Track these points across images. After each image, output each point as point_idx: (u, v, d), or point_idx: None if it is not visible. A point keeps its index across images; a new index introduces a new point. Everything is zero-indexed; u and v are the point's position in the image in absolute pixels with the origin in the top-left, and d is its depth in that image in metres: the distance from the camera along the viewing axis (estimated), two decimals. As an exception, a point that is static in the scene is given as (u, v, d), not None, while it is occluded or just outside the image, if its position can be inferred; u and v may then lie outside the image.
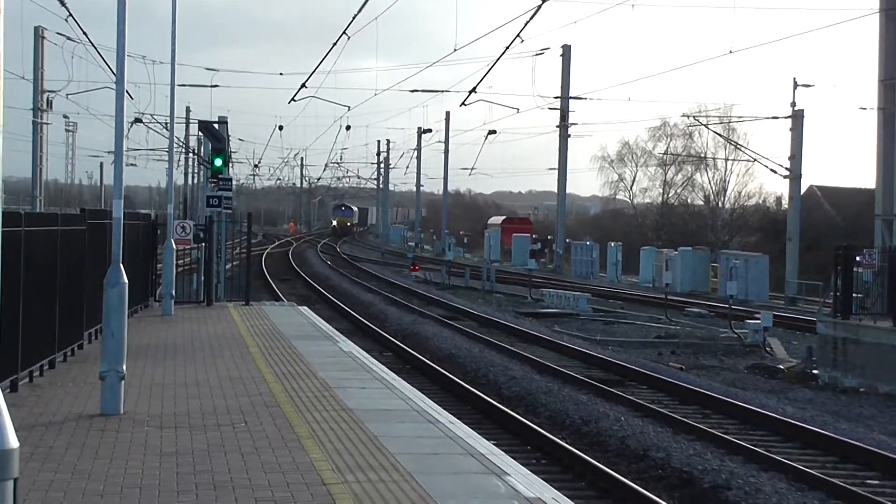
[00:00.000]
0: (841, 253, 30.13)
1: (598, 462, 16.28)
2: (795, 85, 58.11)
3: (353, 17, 31.84)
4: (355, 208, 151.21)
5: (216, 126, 34.26)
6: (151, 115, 58.55)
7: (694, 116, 67.34)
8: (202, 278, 32.59)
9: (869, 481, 16.32)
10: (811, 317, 39.55)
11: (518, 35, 29.88)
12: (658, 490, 15.20)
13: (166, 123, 45.47)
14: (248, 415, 13.64)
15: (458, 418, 14.31)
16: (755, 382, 27.67)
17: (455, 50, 51.84)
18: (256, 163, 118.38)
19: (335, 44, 33.19)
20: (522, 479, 10.55)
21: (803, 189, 62.59)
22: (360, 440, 12.10)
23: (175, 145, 37.53)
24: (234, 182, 35.94)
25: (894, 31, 32.21)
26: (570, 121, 74.71)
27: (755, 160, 62.54)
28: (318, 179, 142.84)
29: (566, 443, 17.80)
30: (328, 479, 10.29)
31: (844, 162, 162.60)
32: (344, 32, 32.15)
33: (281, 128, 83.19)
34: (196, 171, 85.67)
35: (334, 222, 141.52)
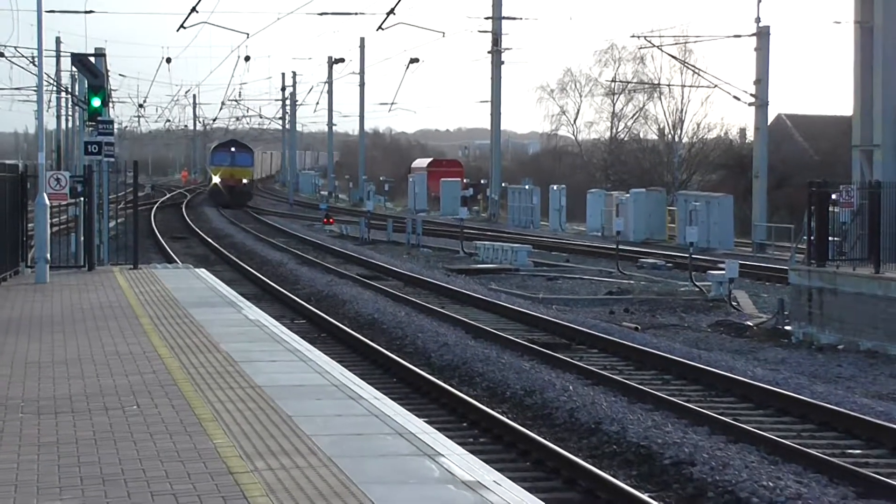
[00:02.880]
0: (815, 190, 30.42)
1: (544, 438, 16.45)
2: (760, -2, 58.47)
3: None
4: (254, 151, 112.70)
5: (92, 59, 33.97)
6: (15, 47, 57.70)
7: (645, 38, 67.30)
8: (81, 239, 32.36)
9: (850, 451, 16.63)
10: (782, 265, 40.03)
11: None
12: (613, 468, 15.40)
13: (33, 57, 45.00)
14: (140, 396, 13.58)
15: (384, 393, 14.36)
16: (720, 342, 28.04)
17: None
18: (141, 102, 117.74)
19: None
20: (459, 460, 10.62)
21: (771, 118, 63.27)
22: (271, 421, 12.11)
23: (45, 83, 37.15)
24: (115, 125, 35.62)
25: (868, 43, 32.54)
26: (504, 45, 74.81)
27: (716, 86, 62.87)
28: (214, 120, 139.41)
29: (507, 417, 17.97)
30: (235, 466, 10.29)
31: (816, 87, 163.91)
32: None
33: (169, 60, 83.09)
34: (70, 113, 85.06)
35: (216, 178, 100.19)
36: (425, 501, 9.24)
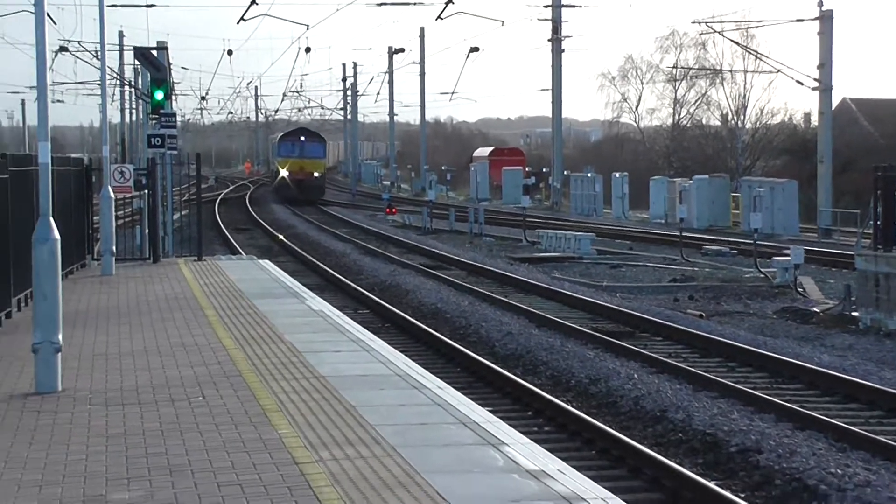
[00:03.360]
0: (881, 175, 30.17)
1: (609, 427, 16.42)
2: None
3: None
4: (326, 142, 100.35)
5: (155, 53, 34.15)
6: (79, 42, 58.23)
7: (707, 23, 67.11)
8: (146, 231, 32.62)
9: (919, 437, 16.49)
10: (849, 251, 39.73)
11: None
12: (679, 456, 15.35)
13: (96, 52, 45.24)
14: (205, 387, 13.68)
15: (448, 383, 14.38)
16: (786, 329, 27.86)
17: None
18: (203, 94, 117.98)
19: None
20: (523, 449, 10.62)
21: (835, 103, 62.81)
22: (335, 412, 12.16)
23: (108, 77, 37.37)
24: (178, 118, 35.81)
25: None
26: (564, 33, 74.64)
27: (779, 71, 62.56)
28: (276, 112, 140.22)
29: (572, 406, 17.94)
30: (300, 457, 10.35)
31: (882, 70, 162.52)
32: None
33: (230, 52, 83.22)
34: (134, 106, 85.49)
35: (283, 171, 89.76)
36: (490, 490, 9.24)
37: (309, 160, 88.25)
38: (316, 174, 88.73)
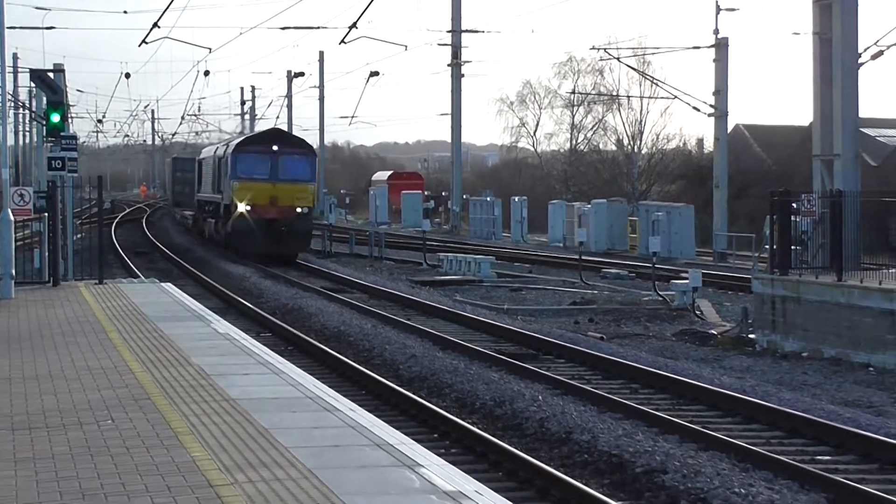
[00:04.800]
0: (777, 199, 30.62)
1: (516, 448, 16.49)
2: (718, 9, 58.88)
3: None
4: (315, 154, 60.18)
5: (51, 75, 33.82)
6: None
7: (604, 49, 67.75)
8: (46, 254, 32.24)
9: (820, 457, 16.73)
10: (744, 274, 40.25)
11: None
12: (585, 477, 15.44)
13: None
14: (114, 410, 13.56)
15: (356, 405, 14.38)
16: (686, 350, 28.14)
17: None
18: (100, 118, 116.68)
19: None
20: (438, 470, 10.65)
21: (730, 129, 63.48)
22: (248, 434, 12.11)
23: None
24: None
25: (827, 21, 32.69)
26: (464, 58, 74.95)
27: (675, 97, 63.17)
28: (174, 135, 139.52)
29: (478, 428, 17.99)
30: (215, 479, 10.29)
31: (775, 97, 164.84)
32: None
33: (128, 75, 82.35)
34: (28, 128, 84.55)
35: (241, 204, 52.17)
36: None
37: (289, 185, 51.86)
38: (300, 209, 52.00)
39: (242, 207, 50.92)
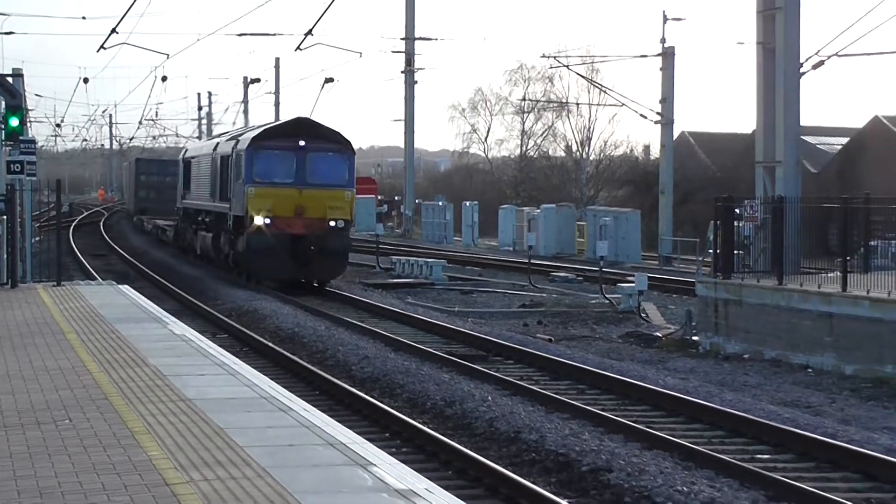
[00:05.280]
0: (721, 205, 30.83)
1: (466, 447, 16.55)
2: (665, 19, 59.19)
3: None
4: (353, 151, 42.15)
5: (10, 80, 33.64)
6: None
7: (554, 57, 67.92)
8: (5, 257, 32.05)
9: (760, 455, 16.86)
10: (688, 277, 40.46)
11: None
12: (533, 475, 15.50)
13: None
14: (72, 410, 13.54)
15: (310, 405, 14.40)
16: (631, 352, 28.29)
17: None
18: (58, 122, 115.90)
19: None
20: (390, 468, 10.70)
21: (675, 136, 63.78)
22: (203, 434, 12.12)
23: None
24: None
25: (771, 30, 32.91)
26: (417, 65, 75.01)
27: (622, 105, 63.41)
28: (131, 139, 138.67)
29: (429, 427, 18.04)
30: (171, 478, 10.30)
31: (720, 105, 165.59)
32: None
33: (86, 80, 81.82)
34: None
35: (259, 216, 39.44)
36: (360, 510, 9.32)
37: (320, 191, 40.04)
38: (334, 222, 40.06)
39: (260, 220, 38.77)
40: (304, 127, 40.60)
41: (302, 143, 39.28)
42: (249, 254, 39.45)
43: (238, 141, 41.51)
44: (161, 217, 72.29)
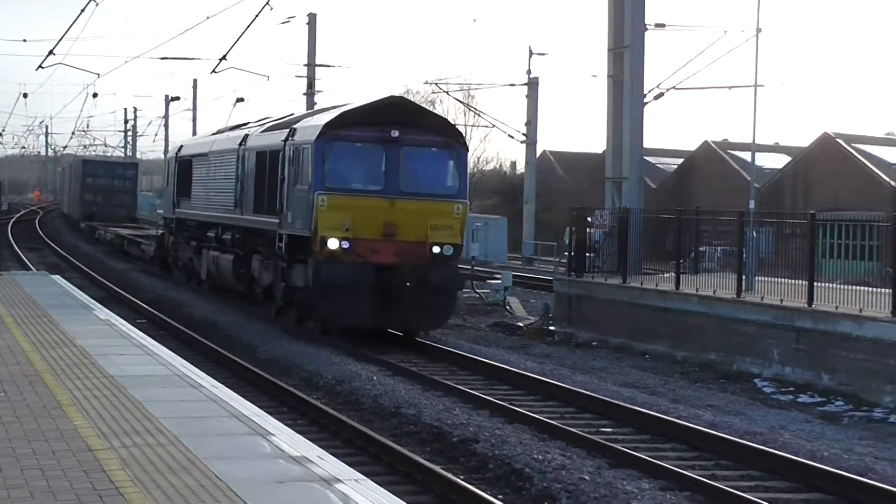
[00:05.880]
0: (575, 214, 31.12)
1: (353, 420, 16.52)
2: (531, 54, 59.57)
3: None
4: (465, 146, 25.95)
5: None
6: None
7: (436, 84, 67.97)
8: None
9: (604, 429, 17.02)
10: (547, 276, 40.72)
11: (267, 3, 29.59)
12: (411, 444, 15.50)
13: None
14: (6, 385, 13.27)
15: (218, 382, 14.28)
16: (497, 339, 28.35)
17: (207, 18, 51.01)
18: (0, 131, 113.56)
19: (83, 10, 32.05)
20: (287, 438, 10.65)
21: (538, 154, 64.18)
22: (123, 406, 11.97)
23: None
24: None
25: (621, 2, 33.24)
26: (318, 88, 74.57)
27: (493, 126, 63.70)
28: (65, 148, 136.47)
29: (321, 403, 17.97)
30: (94, 444, 10.17)
31: (576, 128, 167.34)
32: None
33: (25, 95, 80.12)
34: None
35: (333, 239, 23.81)
36: (260, 474, 9.24)
37: (421, 203, 24.74)
38: (438, 248, 24.65)
39: (335, 243, 24.05)
40: (397, 110, 25.01)
41: (395, 133, 24.42)
42: (318, 290, 24.08)
43: (294, 130, 25.97)
44: (119, 224, 60.91)
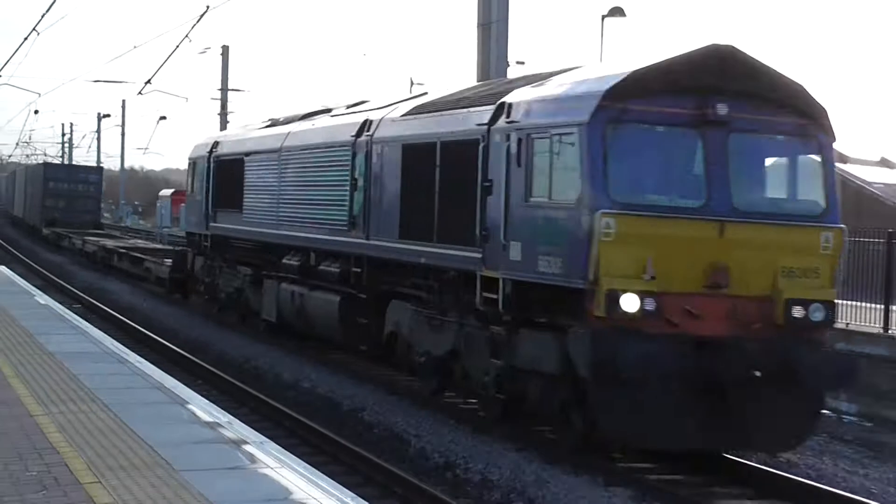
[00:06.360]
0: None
1: (258, 392, 16.34)
2: (412, 83, 59.57)
3: (42, 16, 30.11)
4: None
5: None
6: None
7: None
8: None
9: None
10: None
11: (186, 36, 29.14)
12: (309, 414, 15.16)
13: None
14: (-43, 359, 12.92)
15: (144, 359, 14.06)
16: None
17: (135, 47, 50.24)
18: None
19: (26, 38, 31.33)
20: (203, 405, 10.53)
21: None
22: (61, 378, 11.71)
23: None
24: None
25: (487, 43, 33.22)
26: (230, 109, 73.81)
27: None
28: (9, 157, 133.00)
29: (230, 377, 17.73)
30: (34, 411, 9.94)
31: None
32: (34, 29, 30.28)
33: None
34: None
35: (629, 294, 10.67)
36: (179, 436, 9.11)
37: (772, 229, 11.30)
38: (802, 309, 11.26)
39: (632, 302, 10.83)
40: (721, 69, 11.39)
41: (721, 108, 11.31)
42: (599, 387, 11.07)
43: (511, 107, 12.67)
44: (86, 231, 49.36)
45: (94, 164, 53.71)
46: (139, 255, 35.34)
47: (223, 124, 73.97)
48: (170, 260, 30.24)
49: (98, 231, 53.33)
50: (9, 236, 62.34)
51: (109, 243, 40.61)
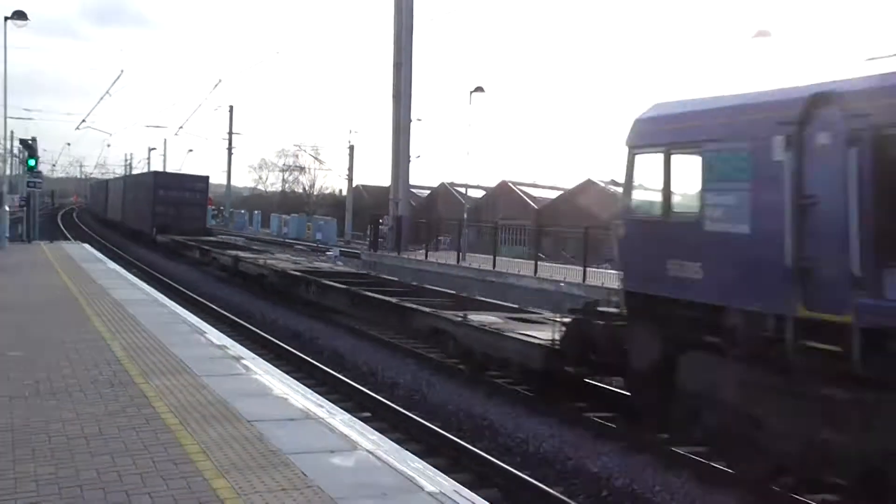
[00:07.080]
0: (374, 216, 30.98)
1: (265, 333, 15.16)
2: (350, 131, 59.05)
3: (113, 83, 28.58)
4: None
5: (30, 142, 30.40)
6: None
7: (298, 146, 66.66)
8: (25, 227, 28.97)
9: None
10: (359, 250, 40.39)
11: (206, 98, 28.18)
12: (305, 351, 13.49)
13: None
14: (56, 304, 12.35)
15: (178, 304, 13.68)
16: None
17: (173, 104, 48.18)
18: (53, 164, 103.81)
19: (101, 98, 29.73)
20: (216, 334, 10.33)
21: (354, 184, 63.68)
22: (123, 317, 11.34)
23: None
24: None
25: (401, 80, 31.75)
26: (233, 145, 71.66)
27: (331, 169, 62.56)
28: (91, 174, 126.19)
29: (243, 320, 16.71)
30: (105, 335, 9.64)
31: (379, 169, 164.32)
32: (107, 92, 28.80)
33: (69, 144, 73.59)
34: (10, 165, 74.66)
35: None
36: (199, 353, 8.91)
37: None
38: None
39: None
40: None
41: None
42: None
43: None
44: (196, 238, 33.22)
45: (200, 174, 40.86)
46: (388, 298, 15.04)
47: (229, 151, 71.83)
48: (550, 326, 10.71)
49: (220, 241, 34.20)
50: (117, 242, 52.21)
51: (288, 266, 20.93)
